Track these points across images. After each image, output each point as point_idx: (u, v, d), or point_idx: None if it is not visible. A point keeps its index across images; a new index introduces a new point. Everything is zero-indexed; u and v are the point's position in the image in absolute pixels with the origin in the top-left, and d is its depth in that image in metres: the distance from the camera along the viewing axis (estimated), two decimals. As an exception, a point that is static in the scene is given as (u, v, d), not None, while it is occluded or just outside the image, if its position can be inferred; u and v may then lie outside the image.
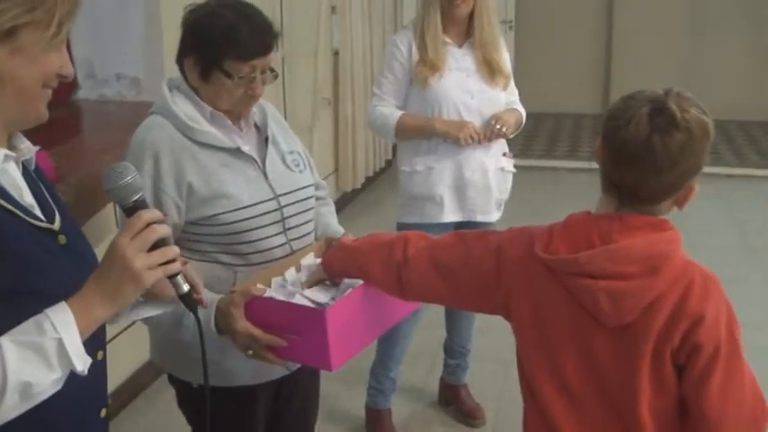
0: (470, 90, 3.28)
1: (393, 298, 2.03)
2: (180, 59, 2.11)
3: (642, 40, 9.92)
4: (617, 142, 1.58)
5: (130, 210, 1.42)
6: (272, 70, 2.11)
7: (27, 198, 1.42)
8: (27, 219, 1.38)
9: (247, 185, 2.10)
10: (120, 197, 1.43)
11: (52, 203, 1.51)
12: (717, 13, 9.73)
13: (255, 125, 2.24)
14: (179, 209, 2.05)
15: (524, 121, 3.47)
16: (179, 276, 1.47)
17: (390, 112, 3.32)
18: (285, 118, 5.47)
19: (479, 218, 3.39)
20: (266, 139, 2.21)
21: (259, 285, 1.98)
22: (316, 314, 1.85)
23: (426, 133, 3.29)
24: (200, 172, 2.05)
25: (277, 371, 2.15)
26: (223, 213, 2.05)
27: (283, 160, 2.22)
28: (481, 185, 3.35)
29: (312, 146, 5.65)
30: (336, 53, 6.41)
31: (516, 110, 3.42)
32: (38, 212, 1.43)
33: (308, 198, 2.25)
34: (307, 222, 2.24)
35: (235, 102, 2.09)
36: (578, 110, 10.48)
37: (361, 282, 1.98)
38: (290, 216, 2.16)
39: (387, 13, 7.42)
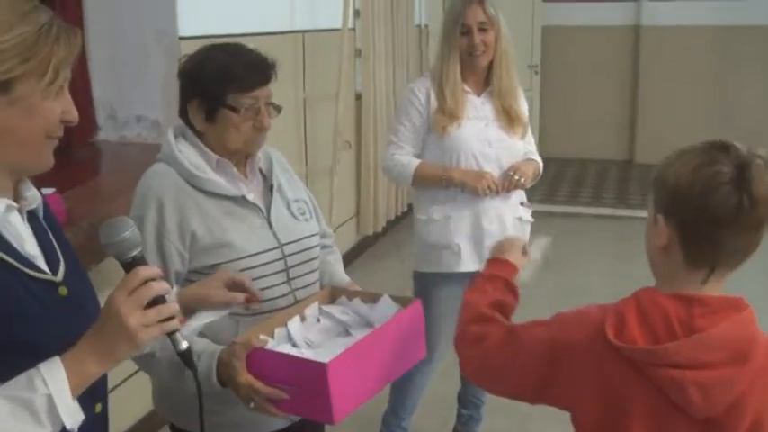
0: (489, 139, 3.26)
1: (399, 347, 2.01)
2: (183, 107, 2.13)
3: (668, 85, 9.87)
4: (712, 208, 1.47)
5: (128, 265, 1.39)
6: (275, 105, 2.11)
7: (29, 248, 1.41)
8: (25, 270, 1.36)
9: (251, 234, 2.08)
10: (118, 252, 1.40)
11: (59, 252, 1.49)
12: (742, 59, 9.67)
13: (261, 172, 2.23)
14: (182, 257, 2.04)
15: (541, 171, 3.45)
16: (177, 334, 1.44)
17: (408, 160, 3.30)
18: (306, 160, 5.54)
19: None
20: (271, 187, 2.20)
21: (261, 336, 1.95)
22: (317, 367, 1.81)
23: (444, 183, 3.26)
24: (204, 220, 2.04)
25: (280, 421, 2.11)
26: (226, 262, 2.03)
27: (288, 208, 2.21)
28: (499, 236, 3.26)
29: (332, 189, 5.64)
30: (359, 96, 6.42)
31: (534, 160, 3.39)
32: (40, 263, 1.42)
33: (314, 247, 2.23)
34: (312, 272, 2.21)
35: (244, 138, 2.08)
36: (603, 155, 10.43)
37: (369, 331, 1.95)
38: (295, 265, 2.14)
39: (411, 56, 7.45)
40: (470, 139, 3.23)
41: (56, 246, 1.51)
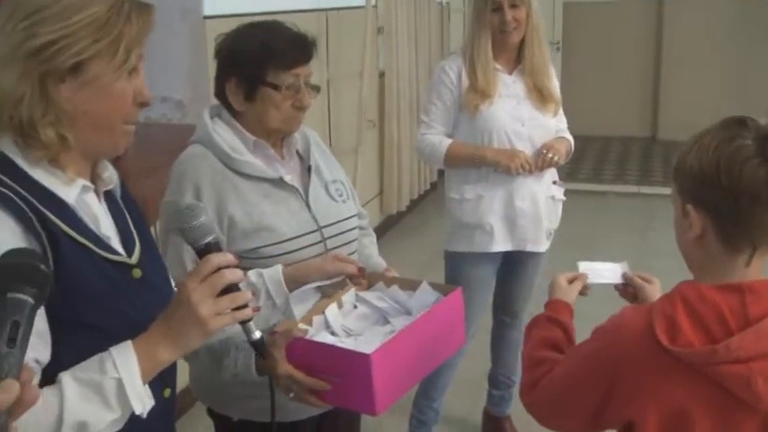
0: (521, 117, 3.20)
1: (440, 336, 1.97)
2: (220, 87, 2.08)
3: (692, 60, 9.74)
4: (742, 184, 1.42)
5: (201, 252, 1.37)
6: (313, 86, 2.08)
7: (104, 230, 1.41)
8: (99, 251, 1.35)
9: (290, 217, 2.05)
10: (192, 238, 1.38)
11: (135, 234, 1.49)
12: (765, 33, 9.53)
13: (298, 153, 2.19)
14: (221, 242, 1.99)
15: (573, 149, 3.39)
16: (251, 323, 1.42)
17: (439, 140, 3.25)
18: (330, 140, 5.51)
19: (529, 248, 3.31)
20: (309, 169, 2.17)
21: (301, 326, 1.92)
22: (360, 358, 1.77)
23: (477, 162, 3.21)
24: (242, 204, 2.00)
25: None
26: (265, 246, 2.00)
27: (326, 190, 2.17)
28: (532, 215, 3.26)
29: (357, 168, 5.60)
30: (382, 74, 6.36)
31: (565, 138, 3.33)
32: (115, 244, 1.41)
33: (352, 229, 2.19)
34: (350, 254, 2.17)
35: (284, 117, 2.04)
36: (626, 132, 10.33)
37: (410, 321, 1.92)
38: (334, 248, 2.10)
39: (433, 34, 7.38)
40: (503, 117, 3.18)
41: (132, 227, 1.50)
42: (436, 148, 3.25)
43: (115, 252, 1.40)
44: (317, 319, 1.98)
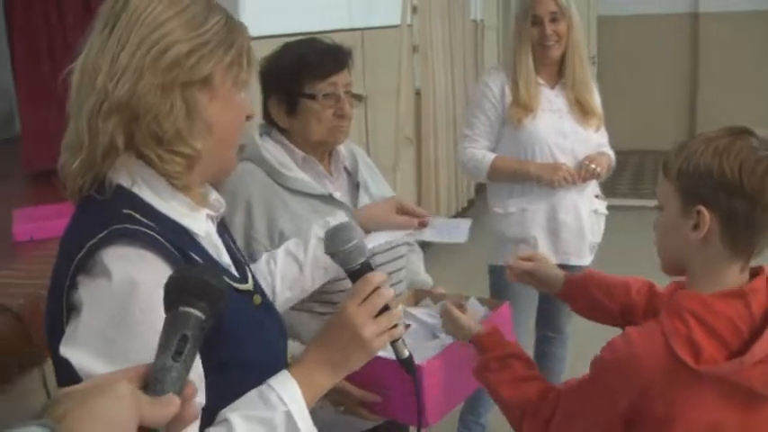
0: (564, 131, 3.21)
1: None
2: (265, 107, 2.12)
3: (727, 75, 9.64)
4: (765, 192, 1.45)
5: (355, 273, 1.35)
6: (355, 94, 2.10)
7: (225, 258, 1.37)
8: (230, 283, 1.30)
9: None
10: (345, 261, 1.37)
11: (244, 257, 1.47)
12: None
13: (346, 170, 2.20)
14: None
15: (614, 165, 3.38)
16: (400, 341, 1.39)
17: (483, 154, 3.27)
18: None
19: (573, 261, 3.30)
20: (357, 185, 2.18)
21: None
22: None
23: (520, 177, 3.23)
24: (292, 219, 2.01)
25: (368, 423, 2.07)
26: None
27: None
28: (575, 228, 3.26)
29: (395, 185, 5.61)
30: (418, 93, 6.38)
31: (606, 153, 3.33)
32: (234, 272, 1.37)
33: (400, 245, 2.19)
34: (398, 270, 2.18)
35: (327, 128, 2.06)
36: (663, 146, 10.19)
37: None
38: (383, 264, 2.11)
39: (467, 52, 7.39)
40: (545, 131, 3.19)
41: (237, 246, 1.48)
42: (480, 163, 3.26)
43: (239, 280, 1.36)
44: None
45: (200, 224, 1.32)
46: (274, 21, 4.23)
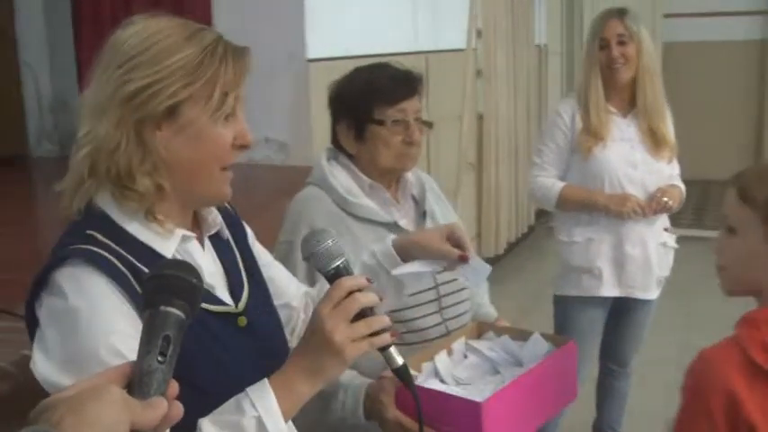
0: (634, 161, 3.15)
1: (552, 389, 1.91)
2: (333, 132, 2.10)
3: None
4: None
5: (332, 277, 1.33)
6: (425, 121, 2.07)
7: (208, 278, 1.35)
8: (202, 305, 1.25)
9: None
10: (320, 264, 1.34)
11: (244, 277, 1.45)
12: None
13: (413, 198, 2.18)
14: None
15: (684, 198, 3.29)
16: (391, 348, 1.34)
17: (552, 183, 3.23)
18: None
19: (638, 294, 3.23)
20: (424, 214, 2.15)
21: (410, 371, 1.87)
22: (471, 406, 1.73)
23: (588, 206, 3.17)
24: (356, 246, 1.98)
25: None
26: None
27: None
28: (641, 261, 3.18)
29: (456, 211, 5.56)
30: (480, 117, 6.33)
31: (677, 186, 3.25)
32: (220, 292, 1.38)
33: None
34: (463, 301, 2.14)
35: (395, 154, 2.04)
36: (726, 176, 9.96)
37: (520, 372, 1.85)
38: (447, 294, 2.08)
39: (531, 77, 7.33)
40: (616, 161, 3.13)
41: (241, 269, 1.46)
42: (549, 191, 3.22)
43: (219, 302, 1.36)
44: (426, 365, 1.94)
45: (171, 245, 1.32)
46: (341, 43, 4.26)
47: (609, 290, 3.21)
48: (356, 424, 1.86)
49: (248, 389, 1.24)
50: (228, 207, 1.55)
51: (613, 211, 3.10)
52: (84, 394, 0.86)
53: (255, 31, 4.17)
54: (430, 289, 2.04)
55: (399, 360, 1.35)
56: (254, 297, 1.44)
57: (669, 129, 3.20)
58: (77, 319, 1.20)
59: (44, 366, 1.21)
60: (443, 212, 2.21)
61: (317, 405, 1.90)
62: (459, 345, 2.02)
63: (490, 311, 2.27)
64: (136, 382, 0.91)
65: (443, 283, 2.06)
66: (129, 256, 1.26)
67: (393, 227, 2.04)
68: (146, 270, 1.24)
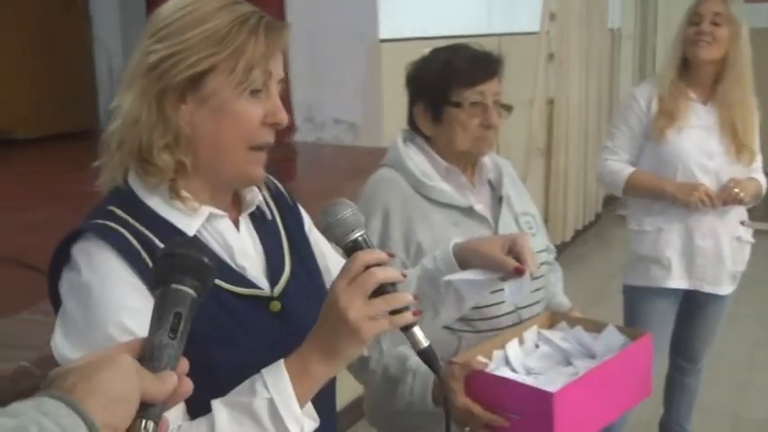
0: (710, 151, 3.02)
1: (625, 384, 1.87)
2: (410, 113, 2.08)
3: None
4: None
5: (350, 250, 1.23)
6: (504, 105, 2.04)
7: (240, 259, 1.32)
8: (227, 286, 1.26)
9: None
10: (337, 236, 1.24)
11: (286, 258, 1.39)
12: None
13: (489, 182, 2.15)
14: (406, 267, 1.96)
15: (763, 193, 3.15)
16: (415, 329, 1.23)
17: (621, 167, 3.14)
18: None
19: (707, 288, 3.13)
20: (500, 199, 2.11)
21: (480, 358, 1.85)
22: (543, 396, 1.70)
23: (656, 194, 3.08)
24: (430, 230, 1.97)
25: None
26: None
27: (516, 221, 2.11)
28: (712, 254, 3.08)
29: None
30: (551, 102, 6.24)
31: (756, 179, 3.11)
32: (254, 274, 1.32)
33: (541, 264, 2.10)
34: (538, 290, 2.10)
35: (472, 137, 2.01)
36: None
37: (593, 364, 1.82)
38: None
39: (604, 61, 7.20)
40: (689, 148, 3.02)
41: (285, 249, 1.40)
42: (617, 176, 3.14)
43: (250, 284, 1.31)
44: (497, 353, 1.92)
45: (194, 222, 1.28)
46: (413, 24, 4.22)
47: (677, 281, 3.12)
48: (424, 410, 1.84)
49: (263, 370, 1.19)
50: (283, 191, 1.50)
51: (680, 200, 3.00)
52: (96, 362, 0.86)
53: (328, 12, 4.19)
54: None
55: (424, 342, 1.24)
56: (296, 282, 1.37)
57: (752, 132, 3.06)
58: (89, 295, 1.19)
59: (62, 343, 1.20)
60: (520, 198, 2.18)
61: (385, 388, 1.90)
62: (530, 334, 1.99)
63: (563, 301, 2.23)
64: (147, 356, 0.91)
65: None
66: (147, 232, 1.24)
67: (468, 211, 2.02)
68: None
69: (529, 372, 1.91)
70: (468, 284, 1.62)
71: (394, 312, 1.19)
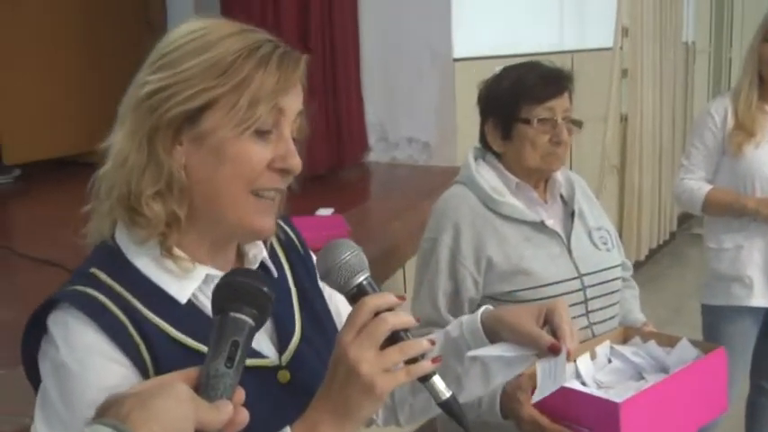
0: None
1: (698, 398, 1.87)
2: (482, 131, 2.11)
3: None
4: None
5: (354, 297, 1.09)
6: (575, 121, 2.05)
7: None
8: None
9: (550, 262, 2.01)
10: (339, 282, 1.10)
11: (296, 319, 1.24)
12: None
13: (561, 198, 2.16)
14: (476, 283, 2.00)
15: None
16: (435, 378, 1.09)
17: (698, 186, 3.11)
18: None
19: None
20: (572, 214, 2.12)
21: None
22: (609, 406, 1.72)
23: (737, 211, 3.03)
24: (501, 246, 2.00)
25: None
26: (522, 290, 1.97)
27: (590, 237, 2.12)
28: None
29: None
30: (625, 118, 6.19)
31: None
32: (258, 341, 1.14)
33: (615, 279, 2.12)
34: (611, 305, 2.10)
35: (542, 154, 2.03)
36: None
37: (664, 376, 1.83)
38: (594, 298, 2.05)
39: (678, 77, 7.09)
40: (767, 162, 2.99)
41: (295, 310, 1.25)
42: (695, 194, 3.12)
43: (255, 354, 1.14)
44: (567, 366, 1.92)
45: (188, 285, 1.13)
46: (487, 42, 4.25)
47: (760, 300, 3.06)
48: (492, 422, 1.86)
49: None
50: (294, 238, 1.35)
51: (763, 214, 2.96)
52: (151, 390, 0.84)
53: (401, 31, 4.24)
54: (577, 290, 2.02)
55: (446, 393, 1.09)
56: (308, 347, 1.22)
57: None
58: (67, 377, 1.06)
59: (42, 430, 1.07)
60: (593, 213, 2.18)
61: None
62: (603, 348, 1.99)
63: (639, 318, 2.23)
64: (203, 384, 0.90)
65: (590, 286, 2.04)
66: (133, 301, 1.09)
67: (539, 226, 2.04)
68: (152, 315, 1.09)
69: (599, 386, 1.91)
70: (497, 360, 1.35)
71: (410, 361, 1.05)
